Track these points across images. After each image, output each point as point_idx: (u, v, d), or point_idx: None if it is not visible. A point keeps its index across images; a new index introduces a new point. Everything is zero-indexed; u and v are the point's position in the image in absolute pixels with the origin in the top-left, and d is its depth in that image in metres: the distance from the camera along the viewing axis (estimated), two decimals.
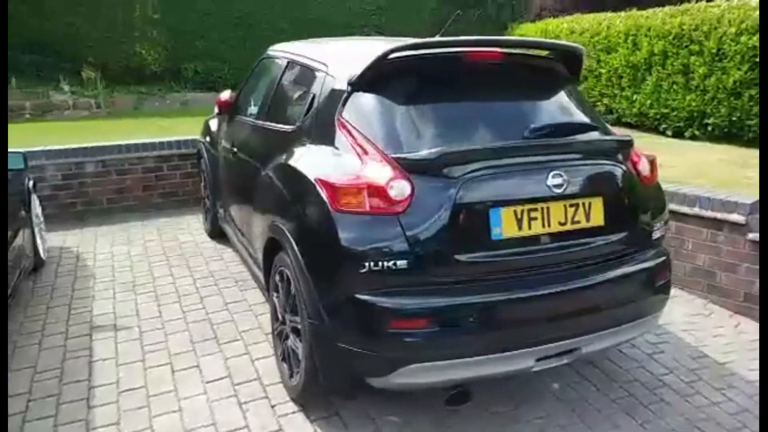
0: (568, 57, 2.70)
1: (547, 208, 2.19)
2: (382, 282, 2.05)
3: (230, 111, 3.85)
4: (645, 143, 7.08)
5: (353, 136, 2.27)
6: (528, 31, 12.19)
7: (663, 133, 8.07)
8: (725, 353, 3.18)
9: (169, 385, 2.74)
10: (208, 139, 4.55)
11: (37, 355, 3.01)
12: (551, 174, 2.18)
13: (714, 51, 7.11)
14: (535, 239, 2.20)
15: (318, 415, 2.50)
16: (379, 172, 2.09)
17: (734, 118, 6.99)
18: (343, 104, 2.39)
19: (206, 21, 11.66)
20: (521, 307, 2.16)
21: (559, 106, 2.58)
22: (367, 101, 2.34)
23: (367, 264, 2.02)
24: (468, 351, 2.10)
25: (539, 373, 2.79)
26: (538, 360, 2.22)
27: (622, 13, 9.26)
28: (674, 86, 7.75)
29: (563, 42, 2.72)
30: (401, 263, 2.03)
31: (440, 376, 2.14)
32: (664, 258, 2.53)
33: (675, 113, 7.82)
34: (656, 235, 2.53)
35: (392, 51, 2.29)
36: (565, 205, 2.23)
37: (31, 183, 4.06)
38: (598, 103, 9.78)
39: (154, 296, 3.70)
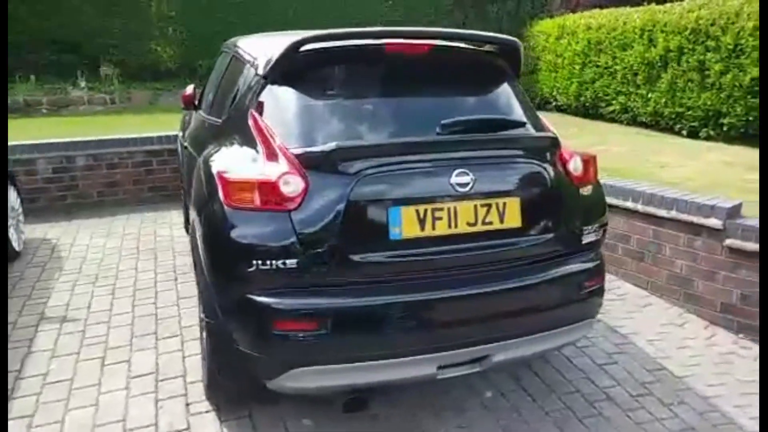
0: (506, 51, 2.56)
1: (454, 208, 2.07)
2: (271, 281, 1.97)
3: (192, 106, 3.84)
4: (655, 143, 6.80)
5: (258, 129, 2.19)
6: (545, 27, 11.92)
7: (678, 133, 7.72)
8: (686, 366, 2.98)
9: (95, 379, 2.73)
10: (181, 134, 4.56)
11: None
12: (456, 172, 2.05)
13: (731, 47, 6.77)
14: (440, 240, 2.07)
15: (230, 416, 2.44)
16: (272, 167, 2.00)
17: (751, 118, 6.63)
18: (256, 96, 2.32)
19: (221, 19, 11.77)
20: (421, 311, 2.04)
21: (485, 102, 2.45)
22: (276, 94, 2.26)
23: (255, 262, 1.94)
24: (362, 356, 2.00)
25: (472, 380, 2.68)
26: (442, 367, 2.10)
27: (641, 8, 8.92)
28: (689, 84, 7.41)
29: (497, 35, 2.56)
30: (291, 262, 1.94)
31: (333, 380, 2.05)
32: (595, 263, 2.37)
33: (690, 112, 7.48)
34: (588, 238, 2.37)
35: (302, 41, 2.20)
36: (475, 205, 2.10)
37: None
38: (613, 102, 9.47)
39: (111, 290, 3.71)
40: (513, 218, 2.16)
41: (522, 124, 2.36)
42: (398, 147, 2.07)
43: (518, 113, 2.43)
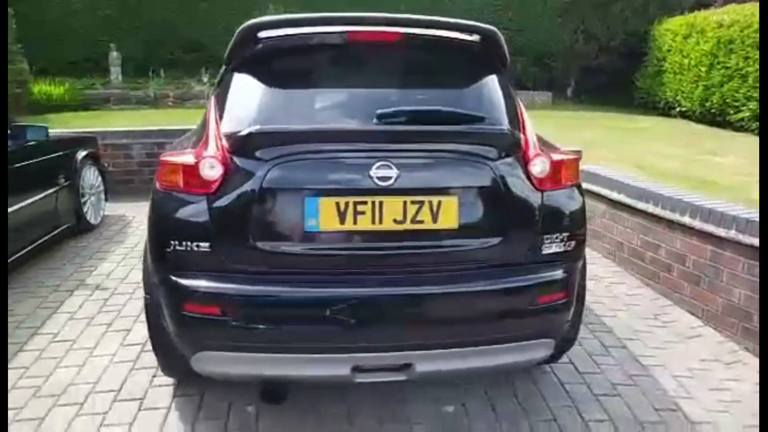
0: (486, 41, 2.34)
1: (380, 203, 1.93)
2: (187, 263, 1.98)
3: None
4: None
5: (210, 114, 2.22)
6: (673, 26, 10.83)
7: None
8: (710, 411, 2.52)
9: (93, 343, 2.96)
10: None
11: (20, 302, 3.44)
12: (377, 165, 1.91)
13: None
14: (362, 236, 1.96)
15: (183, 392, 2.51)
16: (200, 151, 2.02)
17: None
18: (218, 83, 2.36)
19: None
20: (334, 307, 1.93)
21: (447, 95, 2.26)
22: (233, 79, 2.27)
23: (173, 243, 1.97)
24: (266, 347, 1.95)
25: (440, 391, 2.51)
26: (358, 370, 1.98)
27: None
28: None
29: (473, 23, 2.31)
30: (204, 245, 1.94)
31: (238, 369, 2.01)
32: (555, 277, 2.08)
33: None
34: (550, 249, 2.08)
35: (251, 26, 2.18)
36: (404, 202, 1.94)
37: (81, 155, 4.63)
38: (743, 108, 8.36)
39: None
40: (448, 219, 1.97)
41: (480, 119, 2.14)
42: (316, 135, 1.98)
43: (482, 107, 2.20)
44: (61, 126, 6.84)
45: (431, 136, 2.03)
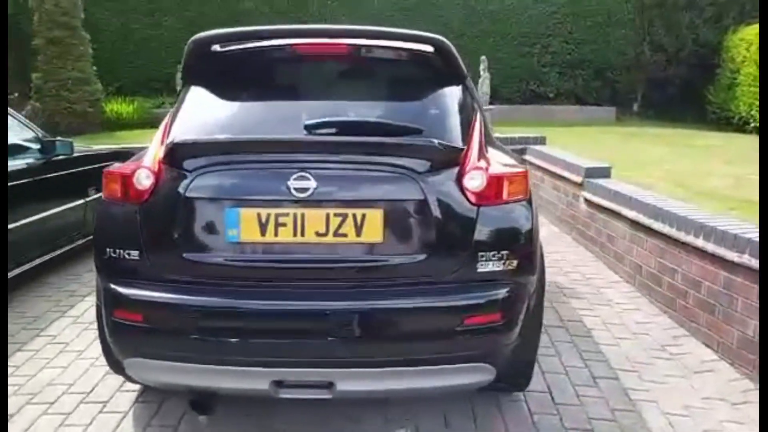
0: (438, 52, 2.27)
1: (302, 215, 1.90)
2: (120, 271, 2.03)
3: None
4: None
5: (161, 126, 2.29)
6: (747, 35, 10.10)
7: None
8: None
9: (83, 346, 3.10)
10: None
11: (35, 305, 3.67)
12: (294, 176, 1.88)
13: None
14: (282, 248, 1.93)
15: (145, 399, 2.56)
16: (139, 162, 2.09)
17: None
18: (179, 94, 2.43)
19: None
20: (252, 320, 1.91)
21: (386, 106, 2.22)
22: (187, 91, 2.33)
23: (108, 250, 2.04)
24: (192, 357, 1.96)
25: (394, 410, 2.43)
26: (280, 385, 1.94)
27: None
28: None
29: (420, 33, 2.24)
30: (134, 254, 1.99)
31: (169, 378, 2.03)
32: (489, 297, 1.95)
33: None
34: (486, 267, 1.96)
35: (197, 40, 2.23)
36: (327, 214, 1.90)
37: None
38: None
39: None
40: (372, 233, 1.90)
41: (416, 131, 2.06)
42: (237, 145, 1.98)
43: (421, 119, 2.13)
44: (112, 141, 7.32)
45: (354, 147, 1.98)
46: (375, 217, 1.91)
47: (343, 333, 1.91)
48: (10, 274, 3.61)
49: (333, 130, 2.04)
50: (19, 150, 4.07)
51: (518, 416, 2.48)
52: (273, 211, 1.90)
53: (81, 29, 10.99)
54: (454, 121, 2.17)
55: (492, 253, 1.97)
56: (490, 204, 1.99)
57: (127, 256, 2.00)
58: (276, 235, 1.91)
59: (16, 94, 11.06)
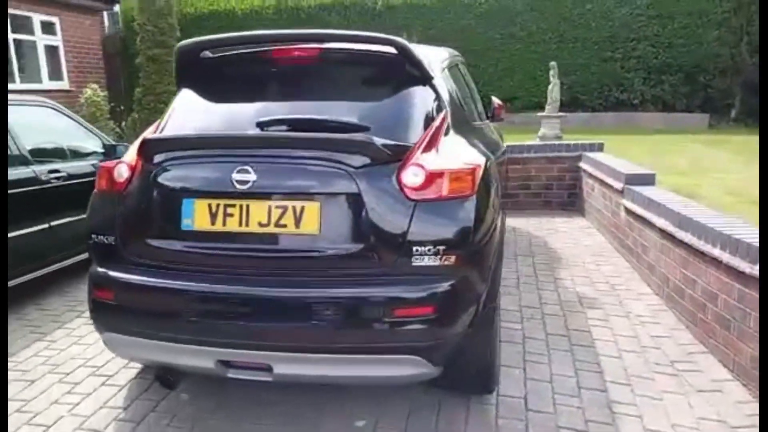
0: (399, 53, 2.33)
1: (247, 206, 2.04)
2: (102, 253, 2.28)
3: None
4: None
5: (155, 125, 2.53)
6: None
7: None
8: None
9: (93, 340, 3.38)
10: None
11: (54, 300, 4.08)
12: (237, 169, 2.02)
13: None
14: (230, 236, 2.07)
15: (143, 376, 2.83)
16: (125, 158, 2.33)
17: None
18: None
19: (461, 50, 12.36)
20: (200, 302, 2.07)
21: (341, 105, 2.31)
22: (179, 93, 2.57)
23: (93, 236, 2.30)
24: (150, 333, 2.15)
25: (353, 406, 2.50)
26: (226, 365, 2.09)
27: None
28: None
29: (378, 35, 2.29)
30: (110, 239, 2.23)
31: (133, 352, 2.25)
32: (421, 291, 1.97)
33: None
34: (421, 261, 1.98)
35: (182, 46, 2.46)
36: (270, 206, 2.02)
37: None
38: None
39: None
40: (310, 224, 2.00)
41: (364, 128, 2.13)
42: (191, 141, 2.16)
43: (373, 117, 2.20)
44: None
45: (292, 142, 2.09)
46: (312, 210, 2.01)
47: (279, 318, 2.02)
48: (75, 259, 4.08)
49: (284, 128, 2.17)
50: (86, 153, 4.60)
51: (482, 419, 2.45)
52: (221, 201, 2.07)
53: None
54: (406, 119, 2.22)
55: (427, 248, 1.99)
56: (428, 200, 2.02)
57: (105, 241, 2.25)
58: (224, 224, 2.07)
59: (122, 107, 12.27)
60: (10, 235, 3.60)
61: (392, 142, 2.08)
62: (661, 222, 3.71)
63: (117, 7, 14.95)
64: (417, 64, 2.33)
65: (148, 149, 2.20)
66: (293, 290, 2.02)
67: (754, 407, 2.57)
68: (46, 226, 3.90)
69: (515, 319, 3.45)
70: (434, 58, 2.69)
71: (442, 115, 2.33)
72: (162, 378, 2.38)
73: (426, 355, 2.03)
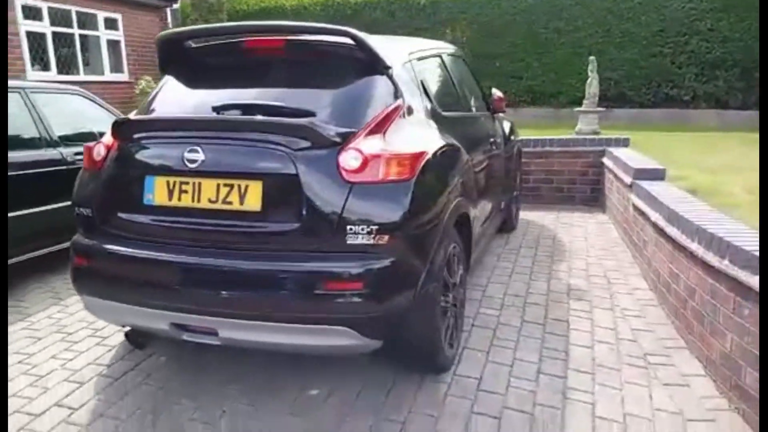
0: (356, 43, 2.44)
1: (198, 184, 2.21)
2: (82, 224, 2.52)
3: None
4: None
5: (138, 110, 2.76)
6: None
7: None
8: None
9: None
10: None
11: None
12: (188, 149, 2.19)
13: None
14: (184, 211, 2.25)
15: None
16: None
17: None
18: None
19: (506, 44, 12.20)
20: (156, 269, 2.26)
21: (293, 91, 2.47)
22: (162, 79, 2.79)
23: (76, 209, 2.54)
24: (115, 296, 2.36)
25: (313, 375, 2.64)
26: (179, 327, 2.28)
27: None
28: None
29: (327, 26, 2.41)
30: (87, 211, 2.46)
31: (106, 315, 2.48)
32: (351, 267, 2.08)
33: None
34: (355, 239, 2.09)
35: (162, 37, 2.66)
36: (218, 184, 2.19)
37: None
38: None
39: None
40: (253, 202, 2.15)
41: (310, 113, 2.25)
42: (152, 123, 2.35)
43: (322, 103, 2.32)
44: None
45: (237, 125, 2.25)
46: (255, 188, 2.16)
47: (222, 287, 2.19)
48: None
49: (237, 112, 2.32)
50: None
51: (431, 396, 2.54)
52: (176, 179, 2.25)
53: None
54: (354, 106, 2.33)
55: (361, 227, 2.10)
56: (365, 182, 2.13)
57: (84, 213, 2.49)
58: (179, 200, 2.25)
59: None
60: (40, 209, 3.96)
61: (333, 127, 2.19)
62: (655, 216, 3.64)
63: (177, 5, 15.70)
64: (372, 54, 2.43)
65: (117, 130, 2.42)
66: (235, 261, 2.17)
67: (718, 402, 2.54)
68: (70, 202, 4.24)
69: (495, 306, 3.49)
70: (396, 48, 2.77)
71: (396, 104, 2.42)
72: (131, 338, 2.61)
73: (357, 328, 2.14)
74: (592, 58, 8.85)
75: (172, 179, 2.26)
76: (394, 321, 2.27)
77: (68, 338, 3.18)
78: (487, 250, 4.56)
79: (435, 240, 2.36)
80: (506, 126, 4.79)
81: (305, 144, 2.14)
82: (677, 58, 11.29)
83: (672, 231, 3.26)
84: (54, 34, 10.85)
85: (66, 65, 11.35)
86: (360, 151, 2.13)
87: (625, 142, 6.26)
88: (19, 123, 4.10)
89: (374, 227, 2.10)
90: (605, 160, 6.06)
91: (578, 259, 4.42)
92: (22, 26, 10.05)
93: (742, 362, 2.45)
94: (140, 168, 2.35)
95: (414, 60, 2.83)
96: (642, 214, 4.10)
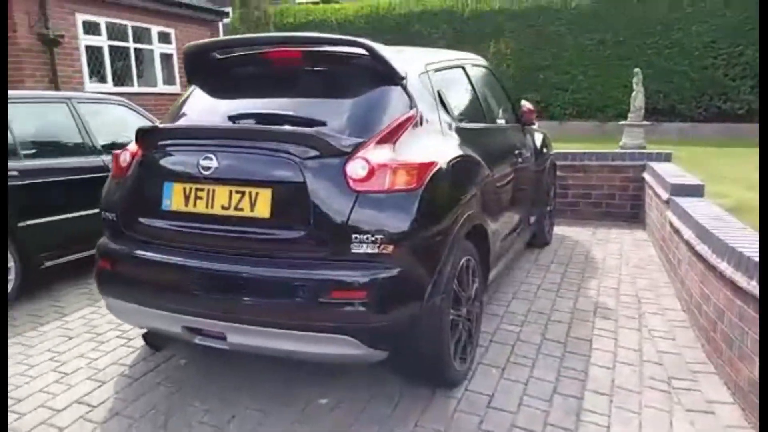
0: (370, 55, 2.46)
1: (213, 190, 2.27)
2: (108, 229, 2.63)
3: None
4: None
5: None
6: None
7: None
8: None
9: None
10: None
11: None
12: (203, 157, 2.26)
13: None
14: (199, 217, 2.31)
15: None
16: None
17: None
18: None
19: (550, 56, 12.03)
20: (171, 273, 2.32)
21: (310, 101, 2.50)
22: (188, 89, 2.89)
23: (102, 213, 2.65)
24: (133, 298, 2.45)
25: (325, 385, 2.66)
26: (192, 331, 2.34)
27: None
28: None
29: (345, 38, 2.44)
30: (113, 215, 2.57)
31: (125, 316, 2.57)
32: (356, 276, 2.08)
33: None
34: (360, 248, 2.09)
35: (186, 49, 2.76)
36: (230, 191, 2.24)
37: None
38: None
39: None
40: (263, 209, 2.19)
41: (321, 123, 2.28)
42: (172, 132, 2.42)
43: (334, 113, 2.35)
44: None
45: (249, 134, 2.31)
46: (265, 196, 2.20)
47: (230, 292, 2.24)
48: None
49: (252, 121, 2.38)
50: None
51: (440, 410, 2.51)
52: (192, 185, 2.32)
53: None
54: (365, 116, 2.35)
55: (366, 236, 2.11)
56: (371, 191, 2.14)
57: (110, 218, 2.60)
58: (195, 206, 2.33)
59: None
60: (82, 213, 4.14)
61: (342, 136, 2.22)
62: (687, 234, 3.50)
63: (229, 19, 16.26)
64: (386, 65, 2.46)
65: (140, 138, 2.52)
66: (243, 267, 2.22)
67: None
68: None
69: (517, 322, 3.42)
70: (413, 59, 2.79)
71: (408, 114, 2.43)
72: (149, 340, 2.69)
73: (360, 337, 2.14)
74: (637, 70, 8.62)
75: (188, 186, 2.34)
76: (400, 332, 2.26)
77: (97, 338, 3.31)
78: (514, 265, 4.49)
79: (443, 251, 2.34)
80: (538, 138, 4.71)
81: (313, 153, 2.18)
82: (731, 69, 10.85)
83: (703, 249, 3.13)
84: (111, 47, 11.40)
85: (121, 78, 11.89)
86: (367, 161, 2.15)
87: (666, 157, 6.05)
88: (65, 132, 4.33)
89: (379, 236, 2.11)
90: (645, 175, 5.87)
91: (610, 277, 4.28)
92: (82, 41, 10.61)
93: None
94: (160, 174, 2.44)
95: (431, 71, 2.84)
96: (677, 231, 3.95)
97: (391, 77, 2.48)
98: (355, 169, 2.15)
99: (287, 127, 2.27)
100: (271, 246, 2.23)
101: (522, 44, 12.22)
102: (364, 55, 2.49)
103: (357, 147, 2.22)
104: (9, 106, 3.87)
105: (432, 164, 2.29)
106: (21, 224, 3.77)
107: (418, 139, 2.42)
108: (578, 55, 11.97)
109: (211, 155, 2.27)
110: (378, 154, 2.20)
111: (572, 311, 3.61)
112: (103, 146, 4.51)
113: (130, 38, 12.06)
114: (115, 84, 11.51)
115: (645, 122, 8.82)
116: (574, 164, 6.35)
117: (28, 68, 9.52)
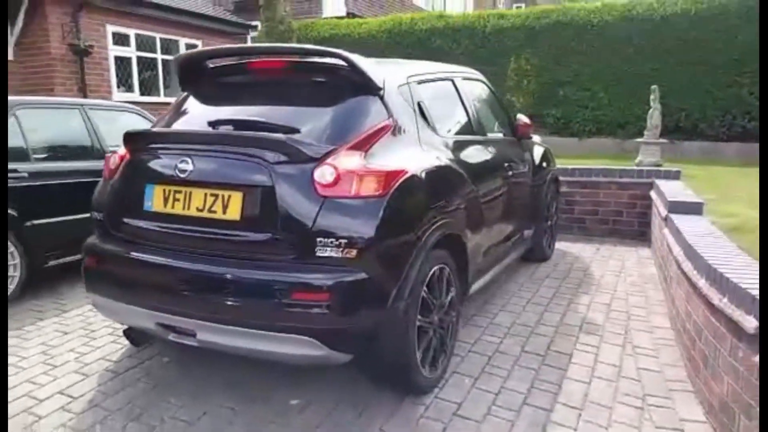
0: (349, 65, 2.54)
1: (189, 193, 2.37)
2: (96, 228, 2.75)
3: None
4: None
5: None
6: None
7: None
8: None
9: None
10: None
11: None
12: (180, 160, 2.36)
13: None
14: (176, 217, 2.41)
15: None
16: None
17: None
18: None
19: (571, 72, 11.97)
20: (145, 270, 2.43)
21: (284, 109, 2.59)
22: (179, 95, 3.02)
23: (92, 213, 2.78)
24: (114, 296, 2.55)
25: (300, 386, 2.72)
26: (165, 327, 2.43)
27: None
28: None
29: (320, 48, 2.54)
30: (99, 215, 2.69)
31: (107, 312, 2.69)
32: (319, 278, 2.14)
33: None
34: (324, 252, 2.16)
35: (177, 59, 2.89)
36: (206, 193, 2.34)
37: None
38: None
39: None
40: (234, 211, 2.28)
41: (294, 130, 2.37)
42: (153, 136, 2.53)
43: (308, 120, 2.43)
44: None
45: (222, 139, 2.41)
46: (236, 199, 2.29)
47: (198, 291, 2.32)
48: None
49: (229, 127, 2.48)
50: None
51: (406, 416, 2.54)
52: (171, 187, 2.43)
53: None
54: (341, 124, 2.42)
55: (330, 240, 2.18)
56: (337, 197, 2.21)
57: (97, 217, 2.72)
58: (173, 207, 2.43)
59: None
60: (87, 215, 4.30)
61: (311, 143, 2.30)
62: (676, 250, 3.47)
63: (256, 33, 16.64)
64: (364, 76, 2.54)
65: (126, 142, 2.65)
66: (214, 268, 2.30)
67: None
68: None
69: (499, 334, 3.43)
70: (394, 72, 2.86)
71: (382, 124, 2.50)
72: (129, 336, 2.80)
73: (323, 339, 2.19)
74: (654, 87, 8.51)
75: (167, 188, 2.45)
76: (363, 335, 2.31)
77: (90, 335, 3.44)
78: (508, 278, 4.49)
79: (408, 258, 2.39)
80: (537, 152, 4.72)
81: (283, 158, 2.26)
82: (756, 88, 10.63)
83: (687, 267, 3.11)
84: (138, 58, 11.79)
85: (148, 87, 12.27)
86: (335, 167, 2.22)
87: (675, 175, 5.98)
88: (76, 136, 4.53)
89: (343, 241, 2.17)
90: (652, 193, 5.81)
91: (604, 294, 4.25)
92: (111, 51, 11.01)
93: (736, 408, 2.29)
94: (143, 176, 2.56)
95: (413, 83, 2.90)
96: (670, 249, 3.91)
97: (369, 88, 2.56)
98: (323, 174, 2.22)
99: (259, 133, 2.35)
100: (240, 247, 2.31)
101: (543, 60, 12.18)
102: (343, 66, 2.58)
103: (328, 154, 2.29)
104: (22, 111, 4.08)
105: (400, 172, 2.34)
106: (28, 224, 3.94)
107: (392, 149, 2.49)
108: (599, 72, 11.88)
109: (187, 158, 2.37)
110: (347, 160, 2.27)
111: (557, 325, 3.60)
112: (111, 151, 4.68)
113: (158, 49, 12.44)
114: (142, 93, 11.88)
115: (662, 140, 8.68)
116: (581, 180, 6.32)
117: (59, 77, 9.92)
